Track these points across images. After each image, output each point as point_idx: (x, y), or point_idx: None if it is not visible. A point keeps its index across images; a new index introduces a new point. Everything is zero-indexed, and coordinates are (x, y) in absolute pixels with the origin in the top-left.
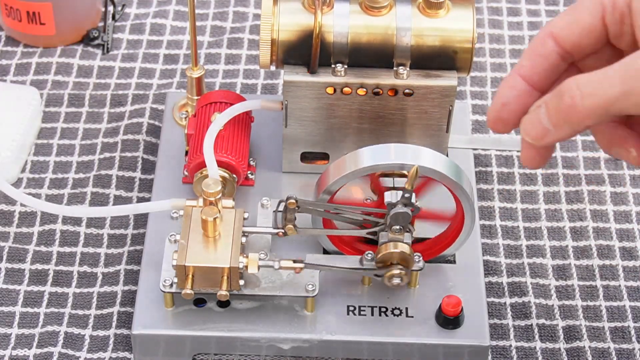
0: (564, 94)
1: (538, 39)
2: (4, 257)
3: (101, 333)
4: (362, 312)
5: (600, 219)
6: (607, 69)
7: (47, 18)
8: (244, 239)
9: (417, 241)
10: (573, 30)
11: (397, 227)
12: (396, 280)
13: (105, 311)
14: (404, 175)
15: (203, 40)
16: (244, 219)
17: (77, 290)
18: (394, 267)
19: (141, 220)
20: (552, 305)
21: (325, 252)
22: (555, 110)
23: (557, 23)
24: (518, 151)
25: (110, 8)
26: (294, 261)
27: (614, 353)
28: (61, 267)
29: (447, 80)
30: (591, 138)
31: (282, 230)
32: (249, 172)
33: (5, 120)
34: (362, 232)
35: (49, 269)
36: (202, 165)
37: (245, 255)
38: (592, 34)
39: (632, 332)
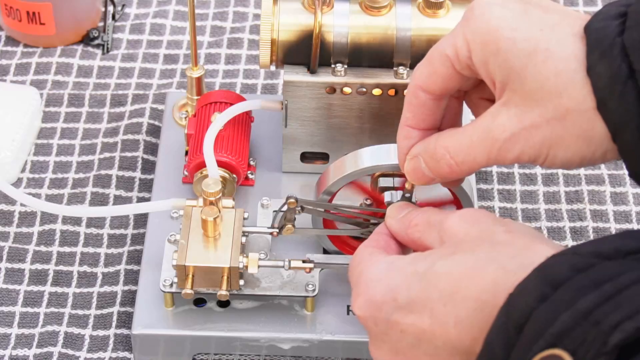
0: (439, 160)
1: (410, 93)
2: (4, 257)
3: (101, 333)
4: None
5: (600, 219)
6: (472, 133)
7: (47, 18)
8: (244, 239)
9: None
10: (435, 80)
11: None
12: None
13: (105, 311)
14: (404, 175)
15: (203, 40)
16: (244, 219)
17: (77, 290)
18: None
19: (141, 220)
20: None
21: (325, 252)
22: (434, 169)
23: (419, 77)
24: None
25: (110, 8)
26: (304, 261)
27: None
28: (61, 267)
29: None
30: None
31: (276, 230)
32: (249, 172)
33: (5, 120)
34: (357, 232)
35: (49, 269)
36: (202, 165)
37: (245, 255)
38: (454, 79)
39: None
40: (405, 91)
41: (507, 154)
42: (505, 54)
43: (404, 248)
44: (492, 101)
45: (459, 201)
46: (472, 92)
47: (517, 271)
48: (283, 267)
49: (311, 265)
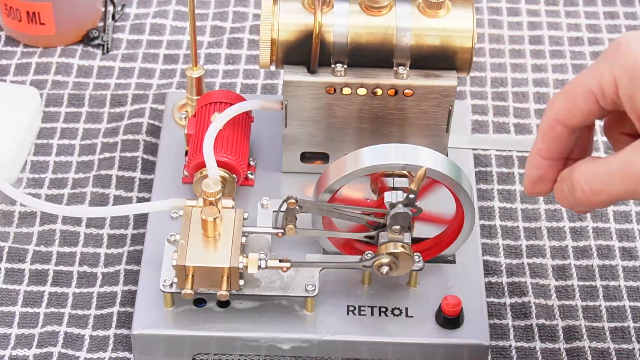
0: (575, 188)
1: (546, 125)
2: (4, 257)
3: (101, 333)
4: (362, 312)
5: (600, 219)
6: (611, 163)
7: (47, 18)
8: (243, 239)
9: (417, 241)
10: (574, 114)
11: (397, 227)
12: (385, 269)
13: (105, 311)
14: (404, 175)
15: (203, 40)
16: (244, 219)
17: (77, 290)
18: (383, 256)
19: (141, 220)
20: (552, 305)
21: (325, 252)
22: (572, 196)
23: (558, 110)
24: (518, 151)
25: (110, 8)
26: (281, 260)
27: (613, 353)
28: (61, 267)
29: (447, 80)
30: None
31: (282, 231)
32: (248, 172)
33: (5, 120)
34: (359, 235)
35: (48, 269)
36: (202, 165)
37: (245, 255)
38: (594, 114)
39: (632, 332)
40: (540, 123)
41: None
42: None
43: None
44: (633, 136)
45: (459, 201)
46: (613, 126)
47: None
48: (259, 266)
49: (287, 264)
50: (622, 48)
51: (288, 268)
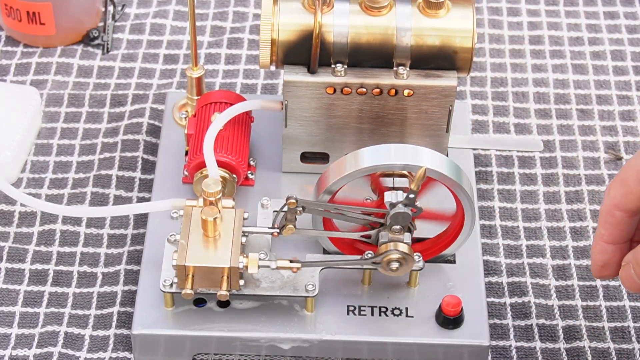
0: None
1: (606, 212)
2: (4, 257)
3: (101, 333)
4: (362, 312)
5: None
6: None
7: (47, 18)
8: (243, 239)
9: (417, 241)
10: (632, 199)
11: (397, 227)
12: (395, 265)
13: (105, 311)
14: (404, 175)
15: (203, 40)
16: (244, 219)
17: (77, 290)
18: (391, 252)
19: (141, 220)
20: (552, 305)
21: (326, 252)
22: None
23: (615, 196)
24: (518, 151)
25: (110, 8)
26: (291, 261)
27: (614, 353)
28: (61, 267)
29: (447, 80)
30: (591, 138)
31: (277, 230)
32: (249, 172)
33: (5, 120)
34: (356, 235)
35: (49, 269)
36: (202, 165)
37: (245, 255)
38: None
39: (632, 332)
40: (600, 209)
41: None
42: None
43: None
44: None
45: (459, 201)
46: None
47: None
48: (269, 267)
49: (298, 265)
50: None
51: (298, 269)
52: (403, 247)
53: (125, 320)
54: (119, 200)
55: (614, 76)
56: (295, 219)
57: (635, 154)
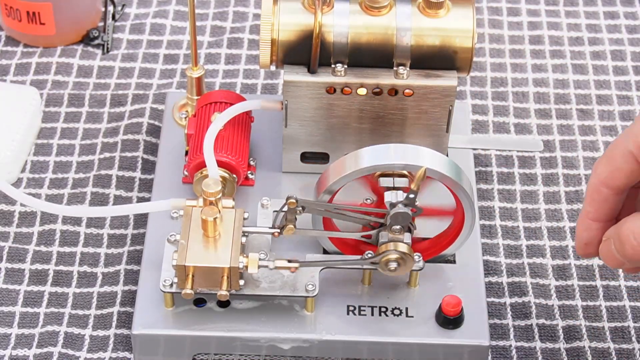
0: (625, 245)
1: (593, 188)
2: (4, 257)
3: (101, 333)
4: (362, 312)
5: None
6: None
7: (47, 18)
8: (244, 239)
9: (417, 241)
10: (618, 177)
11: (397, 227)
12: (393, 265)
13: (105, 311)
14: (404, 175)
15: (203, 40)
16: (244, 219)
17: (77, 290)
18: (390, 252)
19: (141, 220)
20: (552, 305)
21: (326, 252)
22: (620, 252)
23: (601, 173)
24: (518, 151)
25: (110, 8)
26: (289, 260)
27: (614, 353)
28: (61, 267)
29: (447, 80)
30: (591, 138)
31: (278, 230)
32: (249, 172)
33: (5, 120)
34: (357, 235)
35: (49, 269)
36: (202, 165)
37: (245, 255)
38: (636, 174)
39: (632, 332)
40: (587, 186)
41: None
42: None
43: None
44: None
45: (459, 201)
46: None
47: None
48: (267, 267)
49: (296, 265)
50: None
51: (296, 268)
52: (403, 247)
53: (125, 320)
54: (119, 200)
55: (614, 76)
56: (295, 219)
57: (622, 132)
